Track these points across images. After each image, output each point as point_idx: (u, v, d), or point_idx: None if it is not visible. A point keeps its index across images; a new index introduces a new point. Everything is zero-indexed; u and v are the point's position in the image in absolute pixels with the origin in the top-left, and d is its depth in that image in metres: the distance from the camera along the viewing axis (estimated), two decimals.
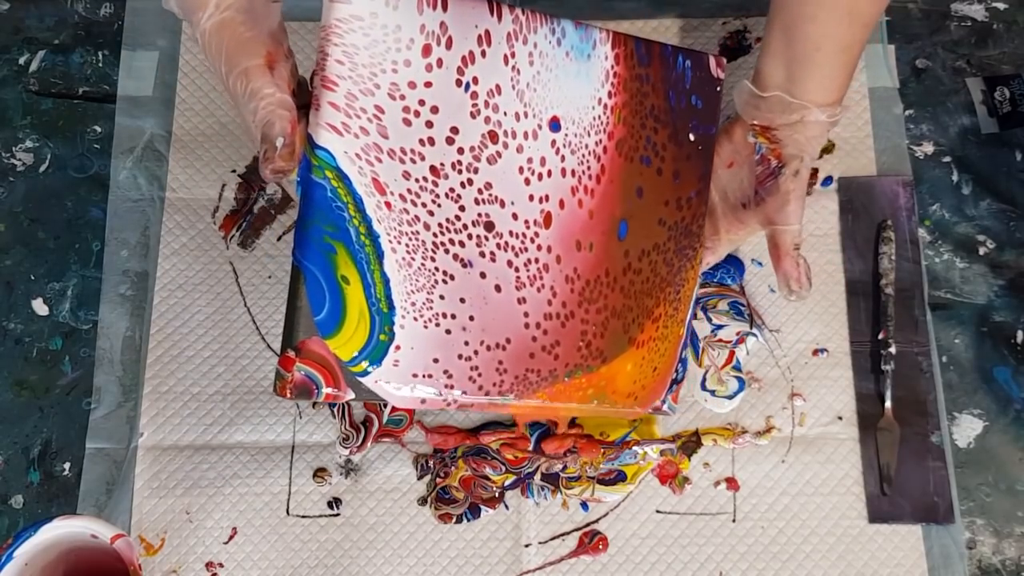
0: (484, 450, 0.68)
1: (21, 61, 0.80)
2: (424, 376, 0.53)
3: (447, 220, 0.53)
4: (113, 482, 0.69)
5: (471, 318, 0.54)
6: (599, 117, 0.58)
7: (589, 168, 0.58)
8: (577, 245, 0.58)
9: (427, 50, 0.51)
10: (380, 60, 0.50)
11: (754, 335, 0.71)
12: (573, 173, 0.58)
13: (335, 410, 0.70)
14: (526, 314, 0.57)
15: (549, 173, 0.57)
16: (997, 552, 0.67)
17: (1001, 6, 0.80)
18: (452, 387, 0.54)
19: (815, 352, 0.71)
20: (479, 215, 0.54)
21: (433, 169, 0.52)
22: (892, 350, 0.69)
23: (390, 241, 0.51)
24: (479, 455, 0.68)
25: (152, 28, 0.80)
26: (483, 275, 0.55)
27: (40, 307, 0.74)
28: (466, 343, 0.54)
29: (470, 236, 0.54)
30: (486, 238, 0.55)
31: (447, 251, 0.53)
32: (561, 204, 0.58)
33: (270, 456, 0.69)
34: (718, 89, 0.63)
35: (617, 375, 0.61)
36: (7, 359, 0.72)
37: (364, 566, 0.66)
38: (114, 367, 0.71)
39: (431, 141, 0.52)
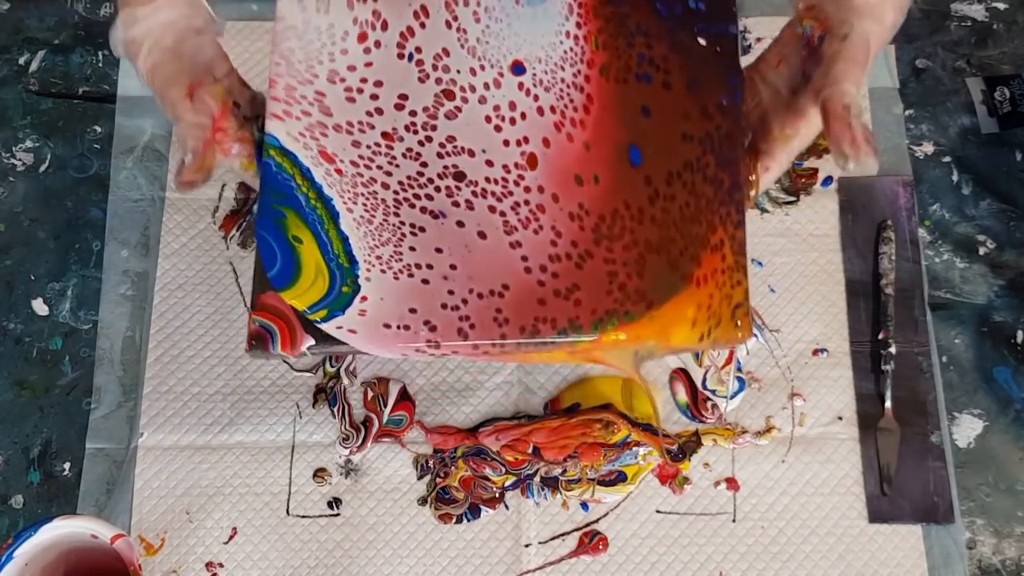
0: (484, 450, 0.68)
1: (21, 61, 0.80)
2: (400, 327, 0.53)
3: (407, 178, 0.56)
4: (113, 482, 0.69)
5: (452, 267, 0.54)
6: (571, 49, 0.57)
7: (572, 101, 0.57)
8: (577, 179, 0.55)
9: (362, 37, 0.58)
10: (316, 54, 0.57)
11: (754, 335, 0.71)
12: (552, 109, 0.56)
13: (335, 410, 0.70)
14: (524, 258, 0.54)
15: (523, 115, 0.56)
16: (997, 552, 0.67)
17: (1001, 6, 0.80)
18: (436, 341, 0.53)
19: (815, 352, 0.71)
20: (445, 167, 0.56)
21: (385, 135, 0.56)
22: (892, 350, 0.69)
23: (345, 202, 0.55)
24: (479, 455, 0.68)
25: None
26: (461, 223, 0.55)
27: (40, 307, 0.74)
28: (450, 292, 0.54)
29: (438, 188, 0.55)
30: (457, 188, 0.55)
31: (412, 205, 0.55)
32: (545, 142, 0.56)
33: (270, 456, 0.69)
34: None
35: (672, 324, 0.54)
36: (7, 359, 0.72)
37: (364, 566, 0.66)
38: (114, 367, 0.71)
39: (378, 111, 0.57)
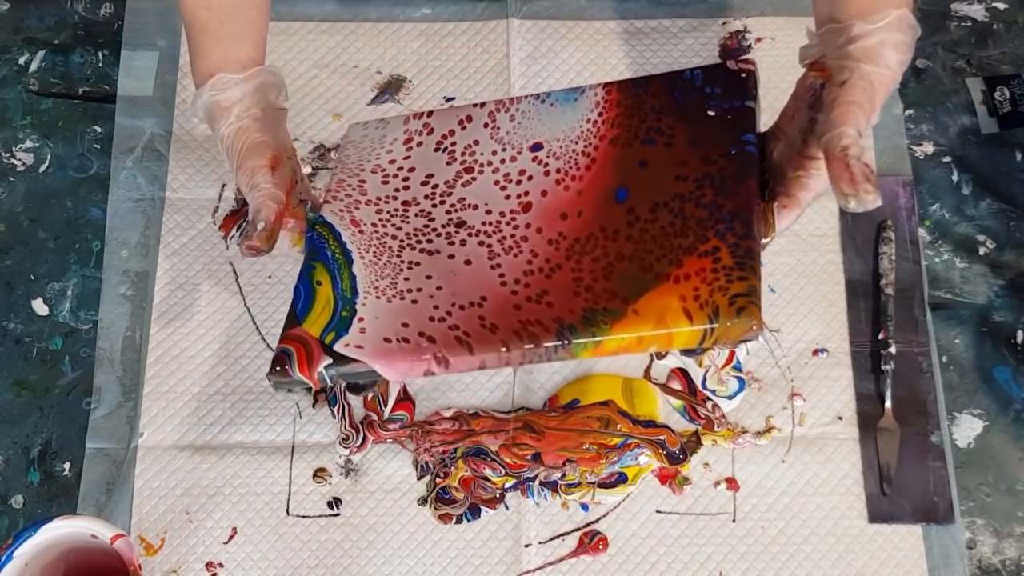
0: (484, 451, 0.68)
1: (21, 61, 0.80)
2: (399, 340, 0.57)
3: (415, 230, 0.62)
4: (113, 482, 0.69)
5: (438, 288, 0.59)
6: (588, 130, 0.63)
7: (577, 164, 0.61)
8: (562, 215, 0.60)
9: (408, 140, 0.67)
10: (367, 156, 0.67)
11: None
12: (558, 171, 0.62)
13: (335, 410, 0.70)
14: (501, 275, 0.58)
15: (530, 177, 0.62)
16: (997, 552, 0.67)
17: (1001, 6, 0.80)
18: (438, 355, 0.56)
19: (815, 352, 0.71)
20: (450, 219, 0.62)
21: (405, 203, 0.64)
22: (892, 350, 0.69)
23: (359, 251, 0.62)
24: (478, 456, 0.68)
25: (152, 28, 0.80)
26: (451, 256, 0.60)
27: (40, 307, 0.74)
28: (435, 307, 0.58)
29: (439, 234, 0.61)
30: (456, 231, 0.61)
31: (413, 248, 0.61)
32: (543, 193, 0.61)
33: (270, 456, 0.69)
34: (743, 75, 0.63)
35: (663, 316, 0.54)
36: (7, 359, 0.72)
37: (364, 566, 0.66)
38: (114, 367, 0.71)
39: (405, 187, 0.64)
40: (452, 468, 0.68)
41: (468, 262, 0.60)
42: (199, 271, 0.74)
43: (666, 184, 0.59)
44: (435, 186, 0.64)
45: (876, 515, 0.67)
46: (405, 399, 0.70)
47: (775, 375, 0.70)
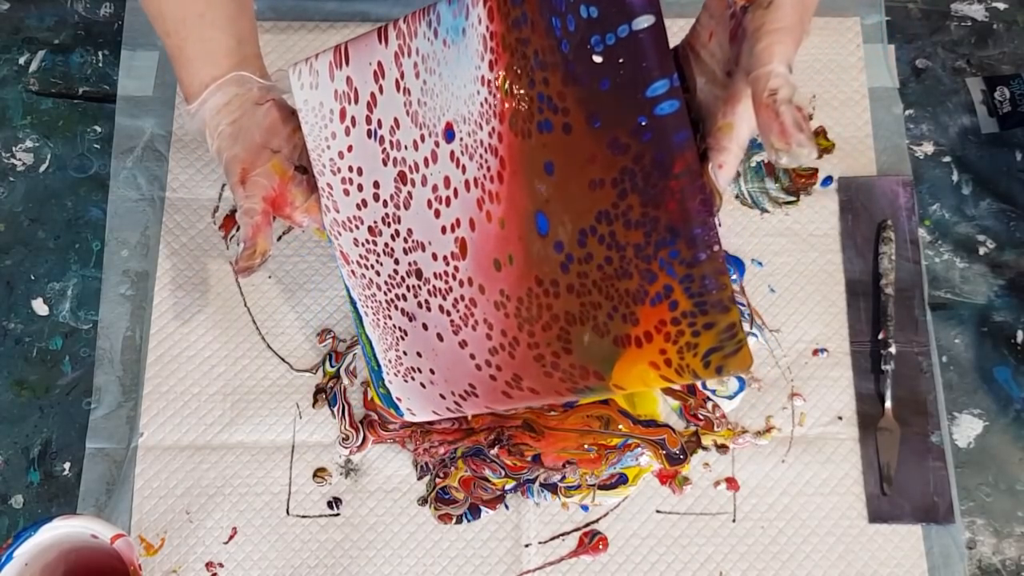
0: (483, 451, 0.68)
1: (21, 61, 0.80)
2: (435, 413, 0.61)
3: (389, 276, 0.56)
4: (113, 482, 0.69)
5: (432, 371, 0.57)
6: (486, 100, 0.49)
7: (489, 169, 0.50)
8: (496, 264, 0.51)
9: (343, 114, 0.55)
10: (317, 141, 0.57)
11: (754, 335, 0.71)
12: (476, 182, 0.50)
13: (335, 410, 0.70)
14: (472, 356, 0.54)
15: (456, 193, 0.51)
16: (997, 552, 0.67)
17: (1001, 6, 0.80)
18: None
19: (815, 352, 0.71)
20: (410, 265, 0.55)
21: (371, 229, 0.56)
22: (892, 350, 0.69)
23: (363, 306, 0.59)
24: (478, 456, 0.68)
25: (152, 28, 0.80)
26: (425, 327, 0.56)
27: (40, 307, 0.74)
28: (441, 396, 0.58)
29: (408, 288, 0.56)
30: (419, 287, 0.55)
31: (396, 307, 0.57)
32: (472, 224, 0.51)
33: (270, 456, 0.69)
34: None
35: (644, 379, 0.48)
36: (7, 359, 0.72)
37: (364, 566, 0.66)
38: (114, 367, 0.71)
39: (364, 203, 0.56)
40: (452, 468, 0.68)
41: (440, 337, 0.56)
42: (199, 271, 0.74)
43: (581, 198, 0.46)
44: (384, 203, 0.55)
45: (876, 515, 0.67)
46: None
47: (775, 375, 0.70)
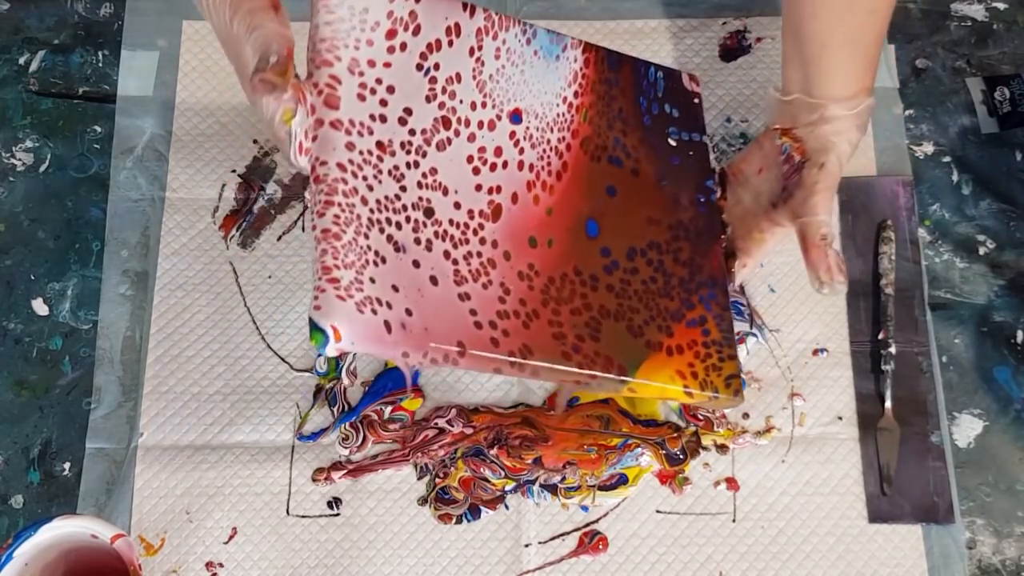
0: (483, 451, 0.68)
1: (21, 61, 0.80)
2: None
3: (385, 197, 0.52)
4: (113, 482, 0.69)
5: (408, 312, 0.50)
6: (563, 114, 0.59)
7: (550, 164, 0.57)
8: (531, 241, 0.56)
9: (392, 34, 0.53)
10: (344, 36, 0.52)
11: (754, 335, 0.71)
12: (531, 168, 0.57)
13: (335, 410, 0.70)
14: (473, 311, 0.52)
15: (505, 164, 0.56)
16: (997, 552, 0.67)
17: (1001, 6, 0.80)
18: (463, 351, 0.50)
19: (815, 352, 0.71)
20: (420, 199, 0.53)
21: (380, 144, 0.52)
22: (892, 350, 0.69)
23: (318, 201, 0.50)
24: (477, 456, 0.68)
25: (152, 28, 0.80)
26: (416, 264, 0.52)
27: (40, 307, 0.74)
28: (413, 340, 0.49)
29: (408, 219, 0.52)
30: (424, 224, 0.53)
31: (382, 230, 0.51)
32: (514, 198, 0.56)
33: (270, 456, 0.69)
34: (695, 101, 0.63)
35: (662, 391, 0.57)
36: (7, 359, 0.72)
37: (364, 566, 0.66)
38: (114, 367, 0.71)
39: (383, 118, 0.53)
40: (452, 468, 0.68)
41: (434, 280, 0.52)
42: (199, 271, 0.74)
43: (639, 226, 0.57)
44: (412, 131, 0.54)
45: (876, 515, 0.67)
46: (416, 391, 0.70)
47: (775, 375, 0.70)
